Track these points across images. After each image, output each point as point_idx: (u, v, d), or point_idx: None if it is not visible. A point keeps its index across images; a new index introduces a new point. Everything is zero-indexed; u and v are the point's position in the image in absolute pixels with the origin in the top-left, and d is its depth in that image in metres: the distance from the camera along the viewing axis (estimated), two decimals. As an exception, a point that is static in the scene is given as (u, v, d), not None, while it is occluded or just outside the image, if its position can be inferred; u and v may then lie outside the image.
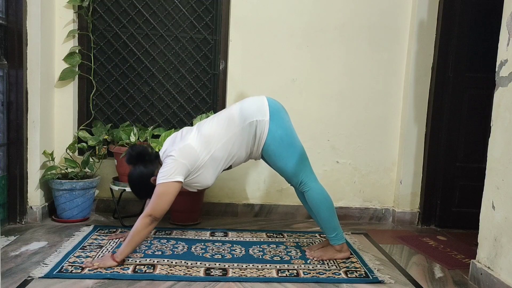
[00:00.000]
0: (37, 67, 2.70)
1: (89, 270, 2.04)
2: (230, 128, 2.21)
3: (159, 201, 2.10)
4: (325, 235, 2.45)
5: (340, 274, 2.16)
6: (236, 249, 2.43)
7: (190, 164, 2.15)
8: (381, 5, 3.10)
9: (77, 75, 3.03)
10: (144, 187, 2.23)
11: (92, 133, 3.01)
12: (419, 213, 3.17)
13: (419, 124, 3.11)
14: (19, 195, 2.70)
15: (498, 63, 2.11)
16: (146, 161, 2.23)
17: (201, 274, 2.07)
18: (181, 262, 2.19)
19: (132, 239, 2.11)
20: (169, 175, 2.11)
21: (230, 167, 2.35)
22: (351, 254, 2.43)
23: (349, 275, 2.15)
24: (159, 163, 2.25)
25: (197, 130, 2.25)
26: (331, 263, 2.30)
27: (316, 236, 2.74)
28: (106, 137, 2.94)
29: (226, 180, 3.11)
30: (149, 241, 2.47)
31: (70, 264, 2.10)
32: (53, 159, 2.86)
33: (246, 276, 2.08)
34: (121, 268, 2.07)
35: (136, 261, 2.17)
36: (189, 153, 2.15)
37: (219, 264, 2.19)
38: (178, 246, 2.42)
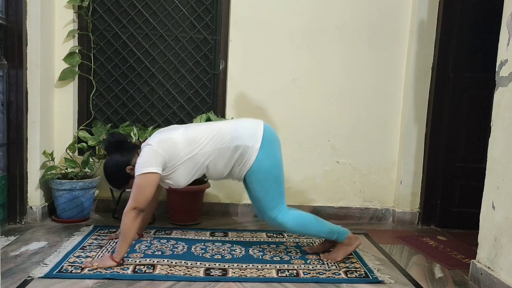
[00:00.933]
0: (37, 67, 2.70)
1: (88, 270, 2.04)
2: (216, 142, 2.17)
3: (140, 193, 2.09)
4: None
5: (340, 274, 2.16)
6: (236, 249, 2.43)
7: (168, 157, 2.13)
8: (381, 5, 3.10)
9: (77, 75, 3.03)
10: (118, 176, 2.21)
11: (92, 133, 3.01)
12: (419, 213, 3.17)
13: (419, 124, 3.11)
14: (19, 195, 2.70)
15: (498, 63, 2.11)
16: (124, 149, 2.22)
17: (201, 274, 2.07)
18: (181, 262, 2.19)
19: (125, 236, 2.11)
20: (146, 165, 2.09)
21: (205, 177, 2.33)
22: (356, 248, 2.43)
23: (349, 275, 2.15)
24: (137, 153, 2.21)
25: (184, 129, 2.22)
26: (331, 263, 2.30)
27: (316, 236, 2.74)
28: (106, 137, 2.94)
29: (226, 180, 3.10)
30: (149, 241, 2.47)
31: (70, 264, 2.10)
32: (53, 159, 2.86)
33: (246, 276, 2.08)
34: (121, 268, 2.07)
35: (136, 261, 2.17)
36: (169, 145, 2.13)
37: (219, 264, 2.19)
38: (178, 246, 2.42)
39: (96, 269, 2.05)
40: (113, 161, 2.21)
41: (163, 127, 3.08)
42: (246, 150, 2.16)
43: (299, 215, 2.27)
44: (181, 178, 2.21)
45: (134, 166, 2.17)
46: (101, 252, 2.29)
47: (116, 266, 2.09)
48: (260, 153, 2.16)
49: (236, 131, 2.19)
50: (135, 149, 2.24)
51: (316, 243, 2.58)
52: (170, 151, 2.13)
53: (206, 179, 2.94)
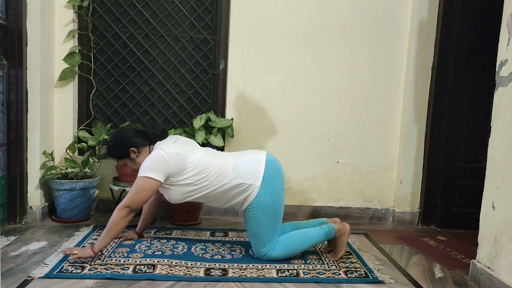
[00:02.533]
0: (37, 67, 2.70)
1: (63, 253, 2.10)
2: (219, 178, 2.18)
3: (138, 194, 2.11)
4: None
5: (340, 274, 2.16)
6: (236, 249, 2.43)
7: (174, 172, 2.15)
8: (381, 5, 3.10)
9: (77, 75, 3.03)
10: (119, 147, 2.24)
11: (92, 133, 3.01)
12: (419, 213, 3.17)
13: (419, 124, 3.11)
14: (19, 195, 2.70)
15: (498, 63, 2.11)
16: (141, 132, 2.25)
17: (201, 274, 2.07)
18: (181, 262, 2.19)
19: (110, 230, 2.11)
20: (152, 170, 2.11)
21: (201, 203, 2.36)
22: (348, 250, 2.45)
23: (349, 275, 2.15)
24: (149, 147, 2.24)
25: (201, 155, 2.22)
26: (331, 263, 2.30)
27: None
28: (106, 137, 2.94)
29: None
30: (149, 241, 2.46)
31: (70, 264, 2.10)
32: (53, 159, 2.86)
33: (246, 276, 2.07)
34: (121, 268, 2.07)
35: (136, 261, 2.17)
36: (180, 162, 2.15)
37: (219, 264, 2.19)
38: (178, 246, 2.41)
39: (76, 257, 2.07)
40: (124, 133, 2.26)
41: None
42: (247, 188, 2.17)
43: (284, 242, 2.26)
44: (175, 196, 2.23)
45: (138, 151, 2.21)
46: (101, 252, 2.28)
47: (94, 256, 2.10)
48: (260, 190, 2.16)
49: (237, 169, 2.19)
50: (150, 140, 2.25)
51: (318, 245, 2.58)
52: (178, 168, 2.15)
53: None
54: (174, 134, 2.62)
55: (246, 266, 2.19)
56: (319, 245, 2.56)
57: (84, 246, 2.30)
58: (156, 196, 2.46)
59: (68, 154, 2.94)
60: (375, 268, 2.26)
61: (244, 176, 2.17)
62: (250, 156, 2.26)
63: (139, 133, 2.28)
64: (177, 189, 2.20)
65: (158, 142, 2.25)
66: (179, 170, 2.15)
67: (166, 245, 2.42)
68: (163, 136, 2.29)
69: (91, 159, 2.89)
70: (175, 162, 2.14)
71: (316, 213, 3.16)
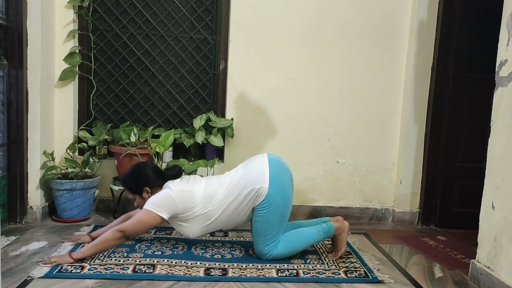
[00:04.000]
0: (37, 67, 2.71)
1: (43, 265, 2.06)
2: (229, 196, 2.21)
3: (137, 225, 2.17)
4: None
5: (339, 274, 2.16)
6: (236, 249, 2.43)
7: (181, 209, 2.19)
8: (381, 6, 3.10)
9: (77, 75, 3.03)
10: (135, 183, 2.28)
11: (92, 133, 3.01)
12: (419, 213, 3.17)
13: (419, 124, 3.11)
14: (19, 195, 2.71)
15: (498, 63, 2.11)
16: (160, 174, 2.29)
17: (201, 274, 2.07)
18: (181, 262, 2.19)
19: (98, 245, 2.15)
20: (157, 205, 2.16)
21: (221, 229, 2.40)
22: (348, 250, 2.46)
23: (348, 275, 2.15)
24: (161, 187, 2.27)
25: (205, 184, 2.27)
26: (330, 262, 2.30)
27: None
28: (106, 137, 2.94)
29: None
30: (149, 241, 2.47)
31: (70, 264, 2.10)
32: (53, 159, 2.86)
33: (246, 276, 2.08)
34: (121, 268, 2.07)
35: (136, 261, 2.17)
36: (186, 197, 2.19)
37: (219, 264, 2.20)
38: (178, 246, 2.42)
39: (55, 264, 2.06)
40: (145, 171, 2.29)
41: (163, 127, 3.11)
42: (257, 191, 2.17)
43: (285, 240, 2.27)
44: (195, 230, 2.27)
45: (151, 191, 2.25)
46: (101, 252, 2.29)
47: (73, 263, 2.09)
48: (270, 190, 2.17)
49: (244, 178, 2.21)
50: (164, 181, 2.28)
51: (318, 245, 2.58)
52: (185, 204, 2.19)
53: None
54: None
55: (246, 266, 2.19)
56: (320, 246, 2.56)
57: (84, 246, 2.30)
58: None
59: (69, 154, 2.94)
60: (374, 268, 2.26)
61: (252, 183, 2.18)
62: (253, 163, 2.27)
63: (158, 173, 2.31)
64: (194, 224, 2.24)
65: (167, 183, 2.28)
66: (188, 206, 2.20)
67: (166, 245, 2.42)
68: (177, 176, 2.32)
69: (91, 159, 2.89)
70: (182, 199, 2.18)
71: (316, 213, 3.16)
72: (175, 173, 2.31)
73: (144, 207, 2.19)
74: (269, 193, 2.17)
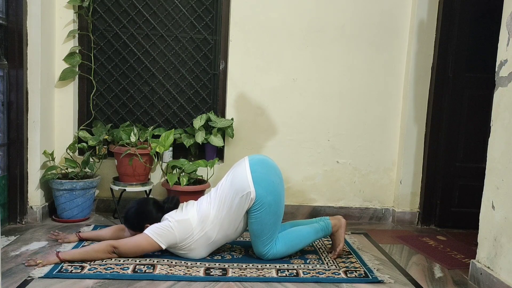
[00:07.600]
0: (37, 67, 2.71)
1: (26, 266, 2.05)
2: (221, 211, 2.20)
3: (131, 247, 2.17)
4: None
5: (339, 274, 2.16)
6: (236, 249, 2.43)
7: (180, 238, 2.18)
8: (381, 5, 3.10)
9: (77, 75, 3.03)
10: (136, 221, 2.27)
11: (92, 133, 3.01)
12: (419, 213, 3.17)
13: (419, 124, 3.11)
14: (19, 195, 2.71)
15: (498, 63, 2.11)
16: (161, 209, 2.28)
17: (201, 274, 2.07)
18: (181, 262, 2.19)
19: (88, 252, 2.15)
20: (157, 234, 2.15)
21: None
22: (348, 250, 2.46)
23: (348, 275, 2.15)
24: (159, 220, 2.26)
25: (198, 206, 2.26)
26: (330, 262, 2.30)
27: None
28: (106, 137, 2.94)
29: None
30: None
31: (70, 264, 2.10)
32: (53, 159, 2.86)
33: (246, 276, 2.08)
34: (121, 268, 2.07)
35: (135, 261, 2.17)
36: (184, 227, 2.18)
37: (219, 264, 2.20)
38: (178, 246, 2.42)
39: (41, 265, 2.05)
40: (146, 209, 2.28)
41: (163, 127, 3.12)
42: (246, 197, 2.16)
43: (284, 238, 2.28)
44: (200, 252, 2.25)
45: (149, 226, 2.22)
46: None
47: (59, 262, 2.09)
48: (259, 192, 2.16)
49: (232, 187, 2.19)
50: (163, 214, 2.27)
51: (318, 245, 2.59)
52: (184, 233, 2.18)
53: (206, 180, 2.94)
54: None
55: (246, 266, 2.19)
56: (320, 246, 2.56)
57: (84, 246, 2.31)
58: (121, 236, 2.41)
59: (69, 154, 2.94)
60: (374, 268, 2.26)
61: (239, 191, 2.16)
62: (235, 171, 2.25)
63: (158, 208, 2.30)
64: (196, 248, 2.22)
65: (167, 214, 2.27)
66: (187, 234, 2.19)
67: (166, 245, 2.42)
68: (175, 207, 2.31)
69: (91, 159, 2.89)
70: (180, 230, 2.18)
71: (316, 213, 3.16)
72: (173, 205, 2.31)
73: (145, 231, 2.18)
74: (258, 194, 2.16)
